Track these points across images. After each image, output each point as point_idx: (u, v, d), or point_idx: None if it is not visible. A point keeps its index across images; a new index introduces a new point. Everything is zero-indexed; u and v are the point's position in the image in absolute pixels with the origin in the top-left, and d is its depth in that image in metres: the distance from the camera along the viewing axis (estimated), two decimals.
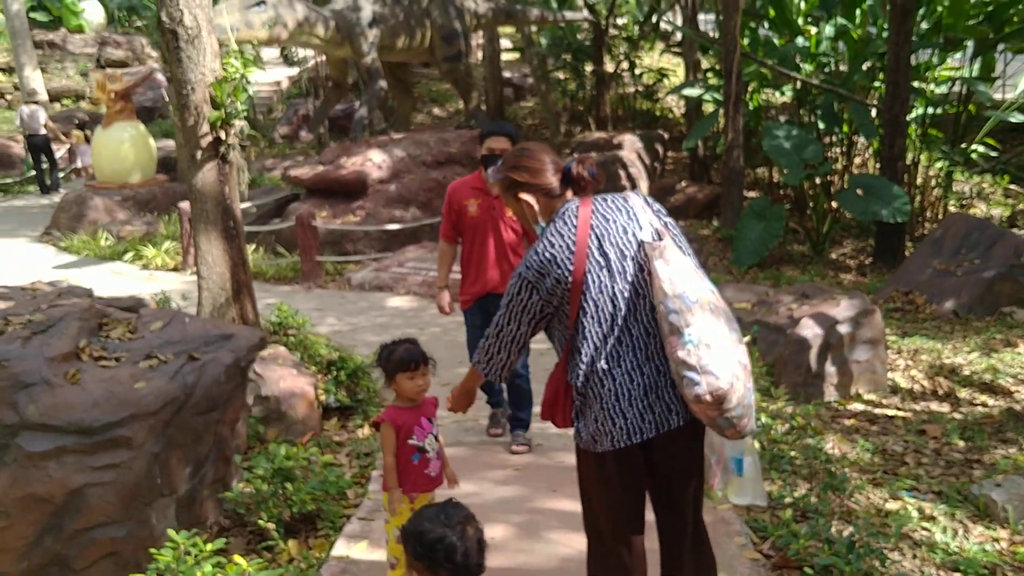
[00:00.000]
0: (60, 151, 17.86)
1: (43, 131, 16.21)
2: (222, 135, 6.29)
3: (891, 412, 6.02)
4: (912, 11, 10.11)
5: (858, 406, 6.10)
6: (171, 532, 3.22)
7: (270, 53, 25.45)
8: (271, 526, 3.83)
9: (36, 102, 17.20)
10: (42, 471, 3.53)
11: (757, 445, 4.92)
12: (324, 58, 15.81)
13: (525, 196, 2.89)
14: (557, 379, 2.83)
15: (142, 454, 3.69)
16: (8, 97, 24.05)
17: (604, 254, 2.74)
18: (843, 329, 6.18)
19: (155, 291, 8.36)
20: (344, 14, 12.17)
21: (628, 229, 2.77)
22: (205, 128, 6.23)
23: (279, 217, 12.10)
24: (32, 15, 26.46)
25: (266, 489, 3.88)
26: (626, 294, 2.72)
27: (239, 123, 6.45)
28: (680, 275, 2.64)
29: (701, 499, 2.92)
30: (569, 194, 2.88)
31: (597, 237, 2.75)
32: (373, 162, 11.58)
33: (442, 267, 5.16)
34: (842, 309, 6.30)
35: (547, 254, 2.74)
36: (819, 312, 6.31)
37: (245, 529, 4.09)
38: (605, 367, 2.70)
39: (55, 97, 22.46)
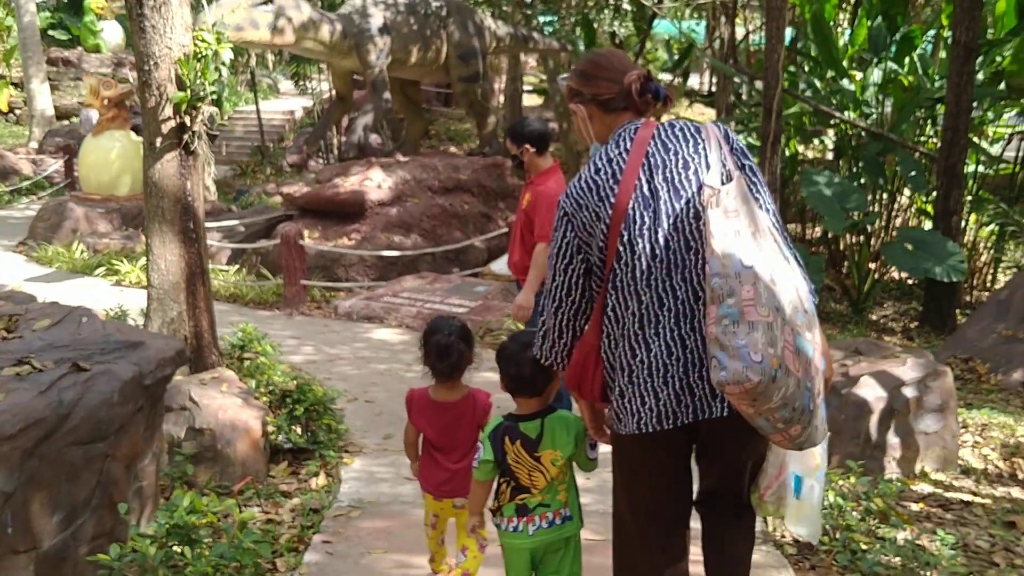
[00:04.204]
0: None
1: None
2: (187, 120, 5.39)
3: (966, 497, 4.94)
4: (976, 51, 9.16)
5: (925, 487, 5.02)
6: None
7: (286, 85, 24.91)
8: None
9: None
10: None
11: (827, 527, 3.94)
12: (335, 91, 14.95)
13: (574, 106, 2.45)
14: (588, 342, 2.38)
15: None
16: (17, 112, 23.47)
17: (654, 189, 2.24)
18: (909, 393, 5.12)
19: (113, 306, 7.42)
20: (352, 19, 11.06)
21: (691, 164, 2.25)
22: (168, 111, 5.34)
23: (268, 238, 11.12)
24: (51, 33, 26.15)
25: (154, 554, 2.81)
26: (672, 243, 2.22)
27: (208, 108, 5.55)
28: (738, 232, 2.10)
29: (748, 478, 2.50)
30: (631, 116, 2.40)
31: (650, 167, 2.25)
32: (373, 182, 10.58)
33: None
34: (908, 368, 5.24)
35: (589, 180, 2.31)
36: (881, 371, 5.24)
37: None
38: (639, 331, 2.24)
39: (64, 114, 21.90)
